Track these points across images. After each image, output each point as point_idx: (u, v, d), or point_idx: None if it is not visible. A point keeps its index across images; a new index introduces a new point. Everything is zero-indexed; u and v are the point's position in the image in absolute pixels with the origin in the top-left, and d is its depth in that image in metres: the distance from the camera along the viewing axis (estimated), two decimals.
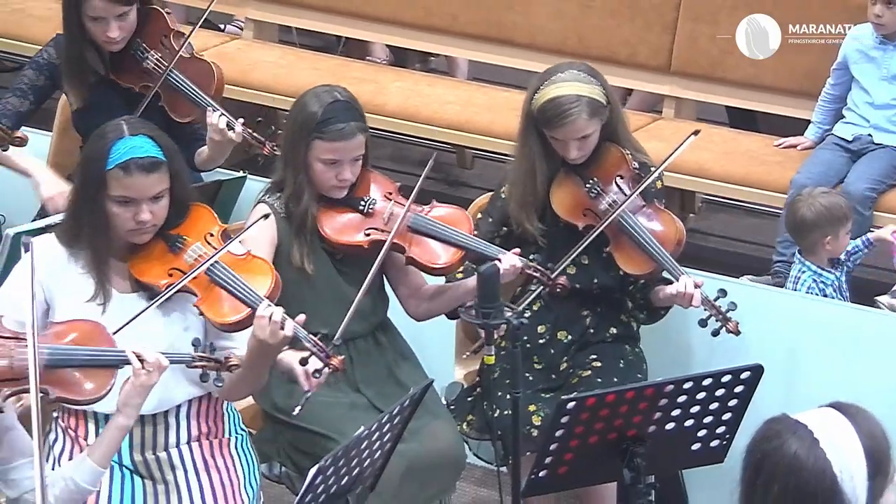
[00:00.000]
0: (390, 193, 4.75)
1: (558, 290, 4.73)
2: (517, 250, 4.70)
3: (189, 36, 5.18)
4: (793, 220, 5.65)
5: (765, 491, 2.71)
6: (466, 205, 5.14)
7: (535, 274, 4.70)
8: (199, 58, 5.27)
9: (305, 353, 4.25)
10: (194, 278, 4.15)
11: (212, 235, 4.23)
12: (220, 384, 4.08)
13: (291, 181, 4.66)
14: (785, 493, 2.68)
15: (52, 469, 3.96)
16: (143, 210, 4.14)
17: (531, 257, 4.79)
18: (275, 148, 5.01)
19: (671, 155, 4.85)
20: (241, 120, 5.06)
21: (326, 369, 4.27)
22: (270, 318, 4.08)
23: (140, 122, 4.27)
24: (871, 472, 2.69)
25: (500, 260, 4.60)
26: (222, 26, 7.62)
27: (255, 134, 5.06)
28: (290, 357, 4.38)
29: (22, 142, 5.13)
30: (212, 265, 4.17)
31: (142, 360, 3.83)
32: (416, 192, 4.64)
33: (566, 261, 4.77)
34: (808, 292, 5.55)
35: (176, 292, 4.13)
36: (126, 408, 3.83)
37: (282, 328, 4.08)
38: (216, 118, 5.03)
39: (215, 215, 4.29)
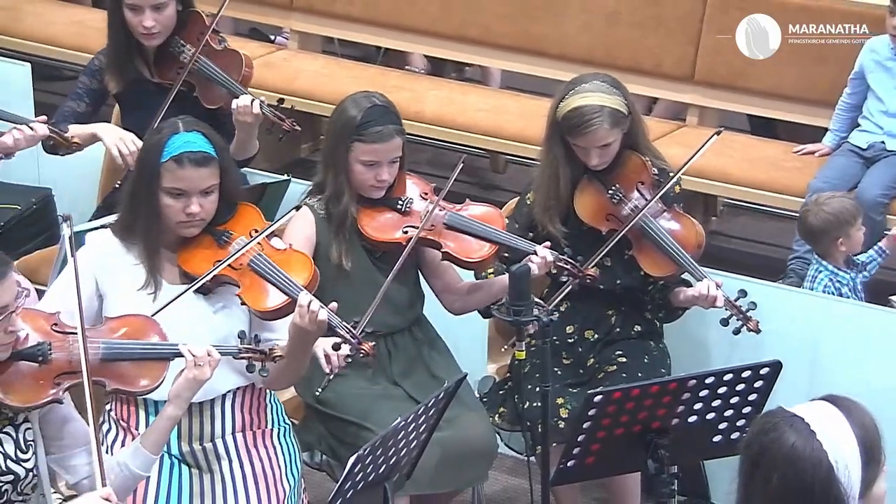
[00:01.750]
0: (426, 194, 4.75)
1: (588, 281, 4.72)
2: (548, 243, 4.70)
3: (212, 25, 5.19)
4: (804, 228, 5.64)
5: (764, 482, 2.69)
6: (499, 207, 5.14)
7: (566, 266, 4.69)
8: (230, 49, 5.31)
9: (338, 340, 4.25)
10: (237, 269, 4.16)
11: (256, 231, 4.25)
12: (265, 374, 4.09)
13: (332, 182, 4.67)
14: (783, 483, 2.67)
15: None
16: (192, 202, 4.16)
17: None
18: (294, 124, 5.05)
19: (696, 154, 4.85)
20: (262, 99, 5.08)
21: (358, 354, 4.27)
22: (308, 306, 4.09)
23: (194, 120, 4.30)
24: (865, 462, 2.69)
25: (534, 253, 4.60)
26: (273, 37, 7.65)
27: (275, 111, 5.08)
28: (322, 343, 4.39)
29: (79, 147, 5.16)
30: (254, 257, 4.19)
31: (193, 355, 3.84)
32: (446, 189, 4.64)
33: (591, 262, 4.76)
34: (824, 291, 5.53)
35: (213, 278, 4.15)
36: (177, 399, 3.84)
37: (319, 312, 4.09)
38: (240, 99, 5.05)
39: (261, 214, 4.31)
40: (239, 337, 4.05)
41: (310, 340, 4.19)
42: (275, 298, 4.19)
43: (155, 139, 4.21)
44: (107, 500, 3.59)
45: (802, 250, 5.96)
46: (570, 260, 4.69)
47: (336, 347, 4.31)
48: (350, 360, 4.34)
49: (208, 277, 4.15)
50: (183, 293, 4.12)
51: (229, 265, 4.19)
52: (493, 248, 4.68)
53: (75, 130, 5.24)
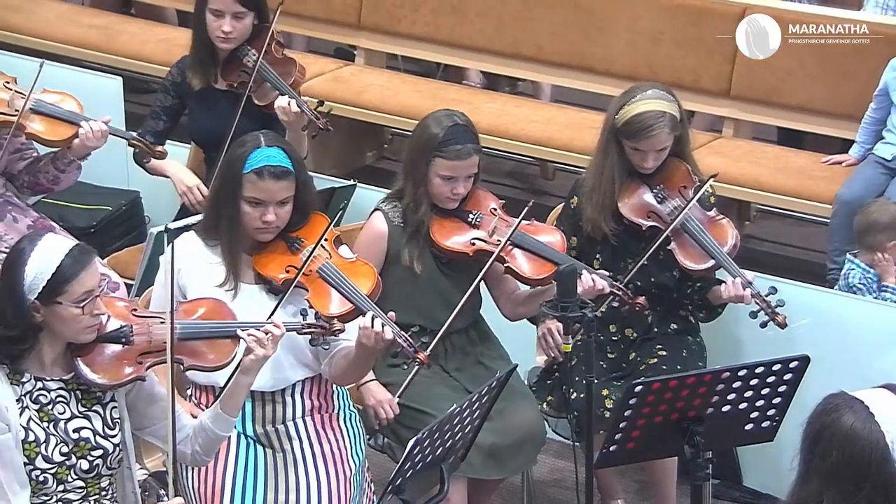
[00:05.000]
0: (495, 209, 4.74)
1: (637, 308, 4.71)
2: (605, 272, 4.68)
3: (271, 30, 5.22)
4: (865, 221, 5.53)
5: (822, 458, 2.71)
6: (549, 211, 5.13)
7: (618, 293, 4.67)
8: (288, 57, 5.34)
9: (398, 349, 4.25)
10: (307, 276, 4.17)
11: (325, 240, 4.25)
12: (326, 347, 4.10)
13: (411, 192, 4.66)
14: (841, 459, 2.69)
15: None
16: (269, 211, 4.17)
17: (597, 256, 4.77)
18: (328, 124, 5.07)
19: (707, 181, 4.79)
20: (303, 99, 5.11)
21: (414, 364, 4.27)
22: (373, 326, 4.10)
23: (276, 136, 4.32)
24: None
25: (593, 278, 4.58)
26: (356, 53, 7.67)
27: (314, 111, 5.09)
28: (374, 393, 4.58)
29: (162, 155, 5.19)
30: (323, 265, 4.19)
31: (254, 337, 3.85)
32: (515, 226, 4.62)
33: (641, 260, 4.74)
34: (860, 283, 5.46)
35: (285, 282, 4.16)
36: (248, 371, 3.85)
37: (384, 328, 4.10)
38: (280, 99, 5.07)
39: (331, 223, 4.31)
40: (302, 314, 4.06)
41: (374, 354, 4.22)
42: (340, 305, 4.18)
43: (239, 151, 4.22)
44: None
45: (841, 261, 5.94)
46: (622, 288, 4.67)
47: (394, 355, 4.30)
48: (405, 367, 4.37)
49: (291, 288, 4.14)
50: (282, 298, 4.12)
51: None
52: (551, 267, 4.66)
53: (154, 163, 5.30)
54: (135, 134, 5.21)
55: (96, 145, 5.03)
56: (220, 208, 4.23)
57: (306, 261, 4.17)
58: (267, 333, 3.84)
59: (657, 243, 4.74)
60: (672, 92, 4.85)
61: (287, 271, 4.19)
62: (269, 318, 4.01)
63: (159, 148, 5.17)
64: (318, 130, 5.12)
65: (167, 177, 5.34)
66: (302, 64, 5.36)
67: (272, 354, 3.88)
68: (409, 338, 4.22)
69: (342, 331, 4.09)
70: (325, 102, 5.22)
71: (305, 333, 4.06)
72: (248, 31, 5.23)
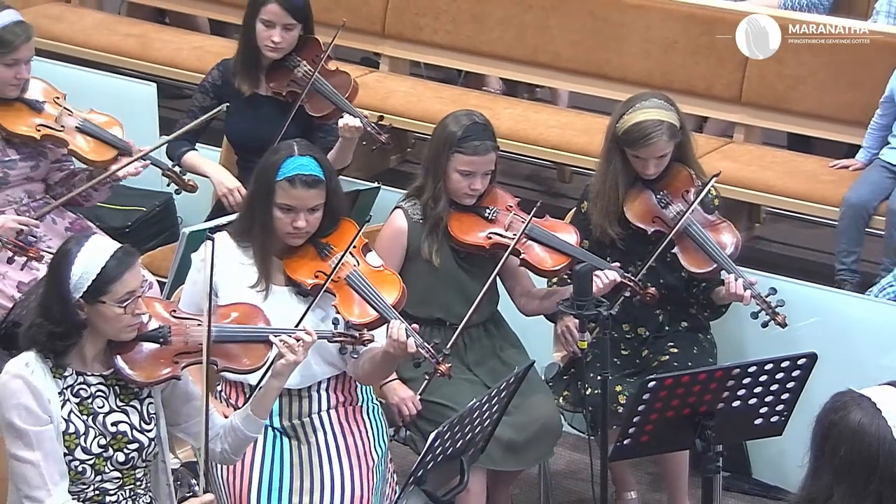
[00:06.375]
0: (511, 206, 4.75)
1: (648, 298, 4.72)
2: (617, 264, 4.69)
3: (329, 48, 5.25)
4: None
5: (832, 453, 2.70)
6: (565, 212, 5.13)
7: (629, 284, 4.68)
8: (342, 71, 5.36)
9: (420, 359, 4.25)
10: (335, 282, 4.19)
11: (354, 247, 4.26)
12: (355, 356, 4.11)
13: (431, 188, 4.68)
14: (850, 455, 2.68)
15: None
16: (300, 218, 4.19)
17: (607, 259, 4.78)
18: (389, 139, 5.09)
19: (708, 183, 4.79)
20: (366, 116, 5.13)
21: (436, 374, 4.27)
22: (398, 337, 4.11)
23: (308, 145, 4.33)
24: None
25: (604, 273, 4.59)
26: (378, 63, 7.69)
27: (374, 125, 5.11)
28: (398, 391, 4.61)
29: (193, 189, 5.21)
30: (351, 273, 4.20)
31: (285, 343, 3.87)
32: (534, 211, 4.63)
33: (649, 261, 4.74)
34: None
35: (314, 286, 4.18)
36: (279, 376, 3.87)
37: (408, 340, 4.12)
38: (347, 118, 5.08)
39: (359, 230, 4.32)
40: (333, 323, 4.07)
41: (398, 359, 4.23)
42: (366, 313, 4.20)
43: (273, 159, 4.23)
44: None
45: (849, 261, 5.93)
46: (633, 279, 4.68)
47: (416, 365, 4.32)
48: (428, 377, 4.39)
49: (320, 293, 4.16)
50: (312, 303, 4.14)
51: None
52: (566, 259, 4.67)
53: (193, 161, 5.31)
54: (170, 164, 5.22)
55: (130, 175, 5.08)
56: (254, 213, 4.24)
57: (335, 268, 4.18)
58: (298, 340, 3.87)
59: (661, 248, 4.74)
60: (672, 101, 4.84)
61: (316, 276, 4.20)
62: (299, 323, 4.03)
63: (190, 182, 5.19)
64: (378, 144, 5.14)
65: (206, 177, 5.34)
66: (354, 78, 5.35)
67: (303, 360, 3.90)
68: (431, 348, 4.22)
69: (371, 340, 4.11)
70: (385, 117, 5.23)
71: (336, 342, 4.07)
72: (295, 41, 5.26)
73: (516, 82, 7.41)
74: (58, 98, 5.11)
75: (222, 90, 5.32)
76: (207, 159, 5.37)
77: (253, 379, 4.08)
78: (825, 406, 2.76)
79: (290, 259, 4.25)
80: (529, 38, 6.90)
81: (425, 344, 4.20)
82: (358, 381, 4.35)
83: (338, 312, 4.17)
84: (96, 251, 3.64)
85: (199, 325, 3.80)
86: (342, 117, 5.10)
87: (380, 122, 5.16)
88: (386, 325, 4.16)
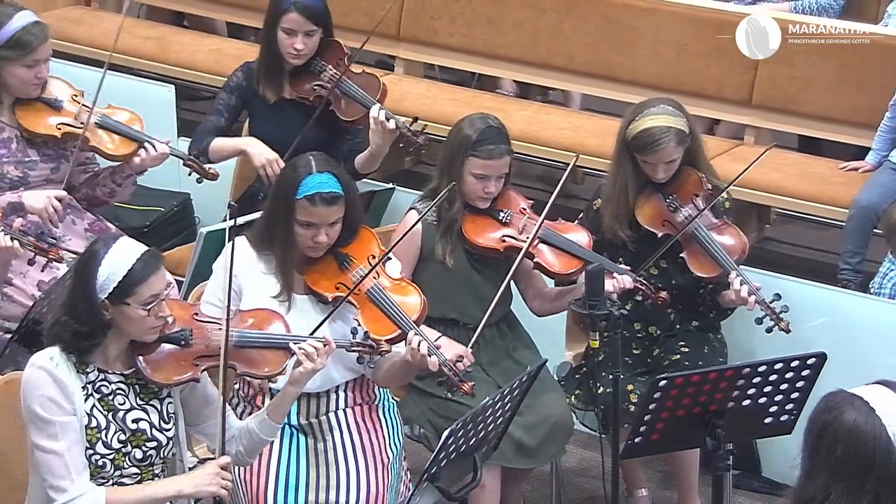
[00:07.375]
0: (524, 209, 4.75)
1: (660, 302, 4.72)
2: (627, 267, 4.69)
3: (357, 52, 5.25)
4: (890, 223, 5.50)
5: (828, 453, 2.70)
6: (577, 213, 5.13)
7: (642, 287, 4.68)
8: (367, 72, 5.36)
9: (443, 378, 4.22)
10: (357, 295, 4.18)
11: (373, 257, 4.26)
12: (372, 366, 4.12)
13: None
14: (846, 454, 2.67)
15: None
16: (321, 233, 4.18)
17: (619, 260, 4.78)
18: (426, 140, 5.05)
19: (746, 168, 4.80)
20: (402, 119, 5.11)
21: (458, 392, 4.26)
22: (419, 349, 4.12)
23: (326, 160, 4.26)
24: None
25: (615, 278, 4.59)
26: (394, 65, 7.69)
27: (409, 126, 5.09)
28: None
29: (214, 177, 5.20)
30: (371, 287, 4.20)
31: (304, 351, 3.88)
32: (546, 210, 4.63)
33: (650, 262, 4.75)
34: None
35: (335, 298, 4.17)
36: (296, 383, 3.89)
37: (429, 358, 4.12)
38: (377, 111, 5.06)
39: (377, 238, 4.31)
40: (352, 332, 4.08)
41: (416, 369, 4.23)
42: (388, 329, 4.18)
43: (291, 176, 4.20)
44: (223, 468, 3.66)
45: (854, 262, 5.91)
46: (646, 283, 4.68)
47: (440, 383, 4.30)
48: (451, 394, 4.37)
49: (340, 304, 4.15)
50: (330, 314, 4.13)
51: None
52: (579, 263, 4.67)
53: (223, 143, 5.30)
54: (189, 154, 5.22)
55: (154, 165, 5.06)
56: (274, 228, 4.22)
57: (357, 283, 4.17)
58: (317, 349, 3.87)
59: (663, 249, 4.73)
60: (681, 106, 4.84)
61: (337, 288, 4.20)
62: (314, 331, 4.03)
63: (211, 170, 5.18)
64: (414, 146, 5.11)
65: (242, 153, 5.29)
66: (383, 80, 5.33)
67: (321, 368, 3.91)
68: (454, 366, 4.20)
69: (388, 352, 4.11)
70: (419, 120, 5.20)
71: (354, 351, 4.07)
72: (316, 46, 5.25)
73: (529, 85, 7.40)
74: (76, 95, 5.11)
75: (247, 91, 5.33)
76: (236, 137, 5.34)
77: (273, 385, 4.08)
78: (817, 406, 2.74)
79: (310, 272, 4.24)
80: (542, 42, 6.90)
81: (448, 362, 4.18)
82: (376, 384, 4.35)
83: (360, 325, 4.16)
84: (123, 253, 3.66)
85: (220, 329, 3.81)
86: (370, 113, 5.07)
87: (413, 126, 5.12)
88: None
